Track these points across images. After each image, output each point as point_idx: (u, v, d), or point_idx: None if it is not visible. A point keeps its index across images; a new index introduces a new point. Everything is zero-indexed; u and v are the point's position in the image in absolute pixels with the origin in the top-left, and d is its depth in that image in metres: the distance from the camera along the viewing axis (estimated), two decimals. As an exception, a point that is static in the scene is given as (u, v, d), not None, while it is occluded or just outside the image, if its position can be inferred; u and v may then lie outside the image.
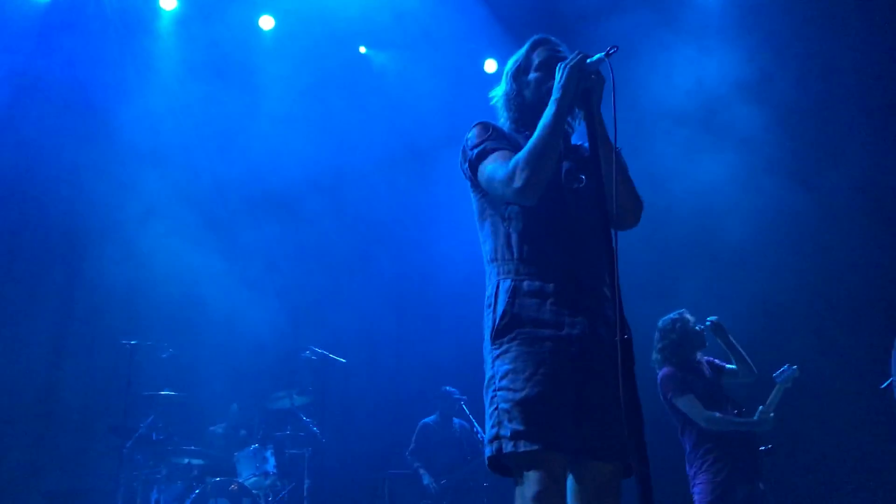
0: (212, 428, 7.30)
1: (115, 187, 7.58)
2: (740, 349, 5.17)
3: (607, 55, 2.41)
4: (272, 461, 6.76)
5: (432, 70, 8.19)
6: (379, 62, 8.74)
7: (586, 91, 2.49)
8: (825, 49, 7.43)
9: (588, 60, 2.48)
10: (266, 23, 8.33)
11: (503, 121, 2.82)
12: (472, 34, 7.94)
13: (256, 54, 8.37)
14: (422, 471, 7.04)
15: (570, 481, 2.51)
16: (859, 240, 7.18)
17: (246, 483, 6.54)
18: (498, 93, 2.84)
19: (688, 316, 5.21)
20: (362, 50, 8.72)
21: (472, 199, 2.76)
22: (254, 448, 6.75)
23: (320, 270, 8.27)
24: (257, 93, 8.25)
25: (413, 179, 8.72)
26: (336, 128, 8.35)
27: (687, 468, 4.98)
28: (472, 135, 2.70)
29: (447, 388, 7.24)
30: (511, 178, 2.47)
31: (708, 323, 5.16)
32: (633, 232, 2.72)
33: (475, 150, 2.64)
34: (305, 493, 6.94)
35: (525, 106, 2.73)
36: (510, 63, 2.82)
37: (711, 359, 5.29)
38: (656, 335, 5.22)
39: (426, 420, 7.21)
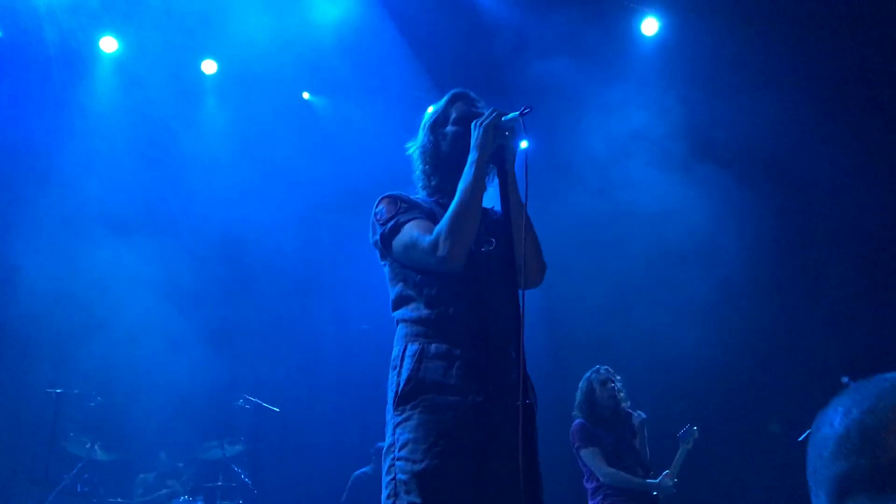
0: (141, 477, 7.11)
1: (47, 229, 7.46)
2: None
3: (521, 114, 2.43)
4: (202, 513, 6.60)
5: (376, 116, 8.22)
6: (322, 107, 8.77)
7: (500, 149, 2.50)
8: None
9: (503, 119, 2.49)
10: (209, 67, 8.31)
11: (417, 173, 2.80)
12: (414, 81, 8.00)
13: (198, 98, 8.35)
14: (354, 522, 6.94)
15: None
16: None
17: (174, 536, 6.38)
18: (414, 145, 2.82)
19: (601, 373, 5.37)
20: (305, 95, 8.73)
21: (385, 269, 2.75)
22: (183, 500, 6.60)
23: (257, 317, 8.17)
24: (199, 137, 8.20)
25: (356, 225, 8.63)
26: (278, 172, 8.30)
27: None
28: (382, 209, 2.67)
29: (380, 444, 7.13)
30: (435, 246, 2.45)
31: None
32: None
33: (388, 225, 2.61)
34: (236, 546, 6.79)
35: (440, 159, 2.72)
36: (428, 115, 2.81)
37: (639, 418, 5.40)
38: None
39: (359, 472, 7.10)
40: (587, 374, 5.40)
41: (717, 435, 6.95)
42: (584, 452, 5.19)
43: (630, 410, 5.41)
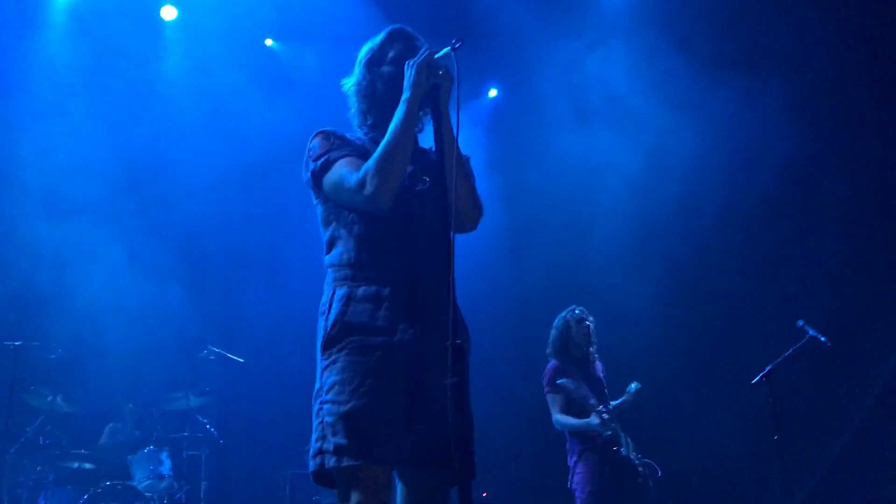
0: (107, 427, 7.09)
1: (2, 181, 7.32)
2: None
3: (453, 49, 2.41)
4: (168, 463, 6.58)
5: (339, 63, 8.06)
6: (284, 55, 8.59)
7: (434, 88, 2.49)
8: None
9: (435, 56, 2.47)
10: (168, 13, 8.10)
11: (353, 110, 2.76)
12: (379, 28, 7.84)
13: (158, 45, 8.15)
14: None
15: (400, 490, 2.49)
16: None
17: (140, 486, 6.37)
18: (350, 81, 2.77)
19: (576, 313, 5.56)
20: (268, 42, 8.55)
21: (316, 209, 2.70)
22: (148, 450, 6.57)
23: (225, 266, 8.12)
24: (159, 85, 8.03)
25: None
26: (240, 121, 8.17)
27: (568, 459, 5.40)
28: (315, 145, 2.62)
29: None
30: (362, 184, 2.42)
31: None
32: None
33: (319, 161, 2.57)
34: (203, 495, 6.84)
35: (376, 98, 2.68)
36: (363, 51, 2.76)
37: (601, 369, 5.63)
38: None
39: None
40: (562, 314, 5.62)
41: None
42: (549, 397, 5.40)
43: (598, 361, 5.65)
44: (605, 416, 5.14)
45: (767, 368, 5.19)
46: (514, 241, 8.51)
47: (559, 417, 5.32)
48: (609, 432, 5.18)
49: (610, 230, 7.94)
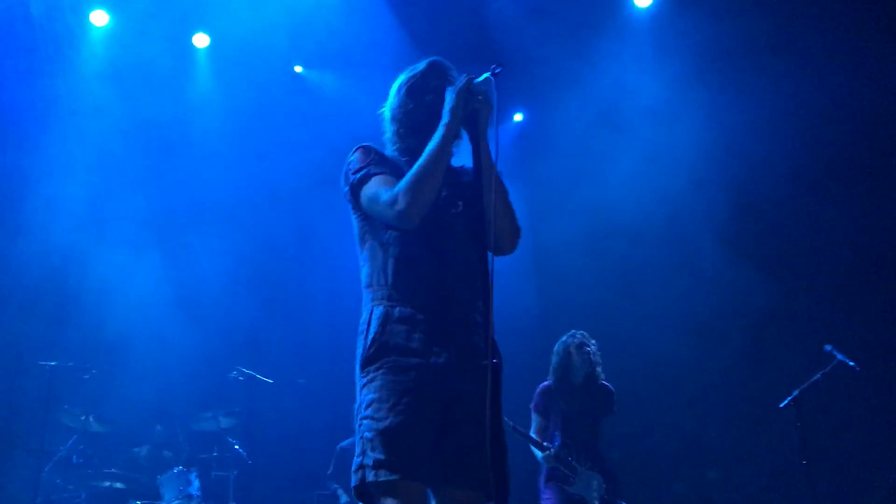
0: (135, 449, 7.18)
1: (41, 201, 7.49)
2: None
3: (494, 74, 2.46)
4: (196, 483, 6.67)
5: (368, 90, 8.19)
6: (314, 81, 8.75)
7: (473, 113, 2.54)
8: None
9: (475, 81, 2.53)
10: (200, 41, 8.29)
11: (389, 135, 2.81)
12: (406, 55, 7.96)
13: (190, 72, 8.33)
14: (340, 491, 7.04)
15: (434, 507, 2.54)
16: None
17: (169, 506, 6.46)
18: (387, 105, 2.82)
19: (576, 338, 5.56)
20: (298, 69, 8.71)
21: (353, 224, 2.77)
22: (178, 470, 6.66)
23: (252, 290, 8.21)
24: (191, 111, 8.20)
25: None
26: (271, 146, 8.32)
27: None
28: (355, 158, 2.69)
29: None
30: (395, 201, 2.49)
31: None
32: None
33: (358, 174, 2.63)
34: (230, 516, 6.88)
35: (414, 123, 2.73)
36: (403, 77, 2.81)
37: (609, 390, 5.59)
38: None
39: (345, 443, 7.17)
40: (563, 338, 5.61)
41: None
42: (532, 416, 5.57)
43: (606, 383, 5.58)
44: (551, 451, 5.23)
45: (795, 393, 5.18)
46: (539, 263, 8.55)
47: (530, 436, 5.43)
48: (550, 466, 5.25)
49: (635, 249, 7.96)
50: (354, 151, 2.72)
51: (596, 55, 7.90)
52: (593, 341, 5.56)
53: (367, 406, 2.49)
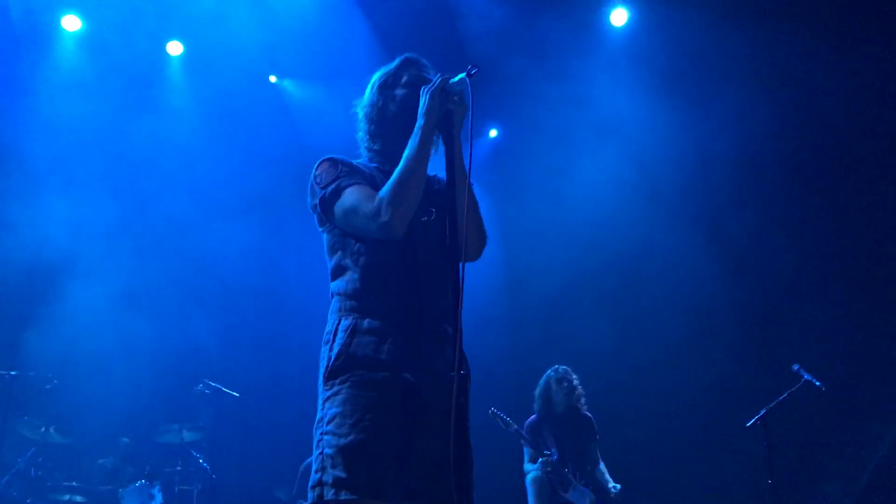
0: (97, 462, 7.04)
1: (7, 210, 7.35)
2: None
3: (469, 75, 2.38)
4: (159, 497, 6.54)
5: (344, 100, 8.13)
6: (289, 91, 8.69)
7: (447, 114, 2.47)
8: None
9: (450, 81, 2.47)
10: (174, 48, 8.21)
11: (361, 133, 2.75)
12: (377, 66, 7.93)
13: (163, 80, 8.25)
14: (305, 510, 6.94)
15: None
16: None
17: (130, 520, 6.32)
18: (361, 103, 2.77)
19: (559, 372, 5.92)
20: (272, 79, 8.65)
21: (323, 237, 2.70)
22: (140, 484, 6.52)
23: (219, 301, 8.10)
24: (163, 119, 8.10)
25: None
26: (243, 155, 8.23)
27: None
28: (321, 172, 2.61)
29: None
30: (377, 212, 2.41)
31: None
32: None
33: (329, 188, 2.55)
34: (193, 531, 6.75)
35: (387, 121, 2.68)
36: (377, 75, 2.77)
37: (590, 419, 5.87)
38: None
39: (309, 461, 7.05)
40: (547, 372, 5.98)
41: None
42: (524, 449, 5.84)
43: (587, 413, 5.91)
44: (552, 457, 5.51)
45: (762, 412, 5.18)
46: (512, 276, 8.54)
47: (525, 467, 5.75)
48: (547, 471, 5.49)
49: (606, 266, 7.97)
50: (320, 164, 2.64)
51: (572, 72, 7.93)
52: (574, 376, 5.92)
53: (330, 420, 2.41)
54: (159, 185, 8.02)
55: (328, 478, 2.35)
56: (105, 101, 7.78)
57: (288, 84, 8.69)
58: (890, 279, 6.71)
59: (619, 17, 7.96)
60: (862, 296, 6.74)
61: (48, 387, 6.66)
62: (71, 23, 7.80)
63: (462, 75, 2.42)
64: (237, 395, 7.04)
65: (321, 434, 2.43)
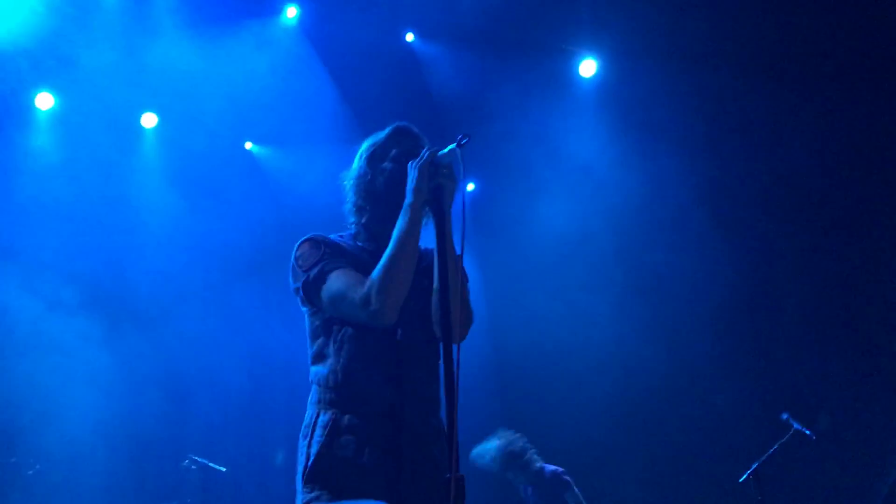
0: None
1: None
2: None
3: (459, 145, 2.28)
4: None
5: (320, 167, 8.15)
6: (265, 158, 8.71)
7: (437, 189, 2.36)
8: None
9: (439, 153, 2.38)
10: (149, 120, 8.21)
11: (349, 206, 2.67)
12: (352, 129, 7.97)
13: (138, 152, 8.24)
14: None
15: None
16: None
17: None
18: (349, 175, 2.69)
19: (500, 461, 5.81)
20: (248, 146, 8.66)
21: (306, 319, 2.61)
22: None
23: (206, 373, 7.99)
24: (139, 191, 8.08)
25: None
26: (220, 223, 8.19)
27: None
28: (304, 253, 2.52)
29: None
30: (367, 300, 2.31)
31: None
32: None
33: (313, 271, 2.46)
34: None
35: (375, 195, 2.59)
36: (366, 145, 2.69)
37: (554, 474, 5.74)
38: None
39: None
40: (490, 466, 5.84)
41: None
42: None
43: (547, 470, 5.74)
44: None
45: (754, 466, 5.13)
46: (493, 324, 8.49)
47: None
48: None
49: (586, 308, 7.95)
50: (301, 245, 2.56)
51: (542, 124, 7.99)
52: (518, 445, 5.77)
53: None
54: (136, 254, 7.96)
55: None
56: (79, 177, 7.74)
57: (263, 150, 8.70)
58: (883, 326, 6.68)
59: (587, 68, 8.05)
60: (856, 345, 6.73)
61: (30, 472, 6.51)
62: (44, 101, 7.79)
63: (452, 146, 2.31)
64: (224, 469, 6.92)
65: None
